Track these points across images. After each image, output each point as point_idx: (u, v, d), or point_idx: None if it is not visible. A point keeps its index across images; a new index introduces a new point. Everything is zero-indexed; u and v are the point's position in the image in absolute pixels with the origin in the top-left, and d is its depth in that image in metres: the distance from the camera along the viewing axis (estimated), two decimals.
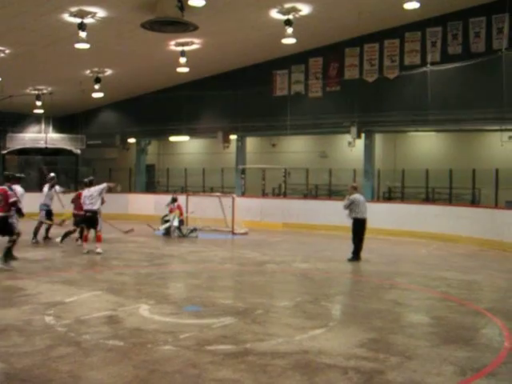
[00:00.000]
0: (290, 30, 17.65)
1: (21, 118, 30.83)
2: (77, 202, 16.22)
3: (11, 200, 12.23)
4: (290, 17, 17.63)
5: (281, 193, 25.65)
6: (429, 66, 20.51)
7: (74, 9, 16.52)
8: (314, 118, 23.62)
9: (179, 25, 17.21)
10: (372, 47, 22.05)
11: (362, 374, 6.03)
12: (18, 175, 14.34)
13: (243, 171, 26.18)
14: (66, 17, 16.98)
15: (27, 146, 29.26)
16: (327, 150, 26.69)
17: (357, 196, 14.41)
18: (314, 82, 23.68)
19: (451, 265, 14.21)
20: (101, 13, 16.98)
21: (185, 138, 29.57)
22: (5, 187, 12.60)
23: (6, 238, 12.27)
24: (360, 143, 23.02)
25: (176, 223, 19.02)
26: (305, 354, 6.63)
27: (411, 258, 15.50)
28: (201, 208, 20.50)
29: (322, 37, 21.74)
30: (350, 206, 14.28)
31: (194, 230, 19.28)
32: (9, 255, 12.45)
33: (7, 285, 10.69)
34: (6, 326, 7.73)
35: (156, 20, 16.80)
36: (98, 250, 14.57)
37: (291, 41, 18.20)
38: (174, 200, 19.63)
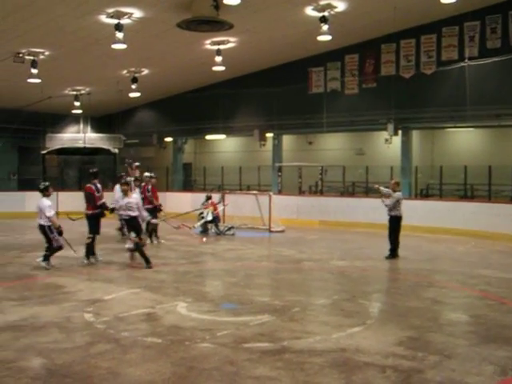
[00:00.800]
0: (325, 27, 17.55)
1: (60, 119, 31.31)
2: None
3: (100, 202, 13.19)
4: (326, 14, 17.52)
5: (317, 190, 25.57)
6: (467, 60, 20.23)
7: (110, 10, 16.70)
8: (350, 115, 23.51)
9: (215, 24, 17.27)
10: (408, 43, 21.83)
11: (400, 372, 5.99)
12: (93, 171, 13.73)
13: (280, 169, 26.18)
14: (103, 18, 17.17)
15: (66, 145, 29.65)
16: (364, 148, 26.55)
17: (400, 194, 14.24)
18: (349, 78, 23.56)
19: (490, 262, 14.01)
20: (137, 13, 17.13)
21: (221, 137, 29.71)
22: (91, 186, 13.20)
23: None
24: (397, 140, 22.83)
25: (210, 217, 19.11)
26: (342, 352, 6.61)
27: (449, 255, 15.32)
28: (237, 206, 20.56)
29: (357, 33, 21.61)
30: (395, 204, 14.04)
31: (231, 227, 19.35)
32: (89, 251, 13.09)
33: (48, 282, 10.89)
34: (47, 322, 7.87)
35: (192, 19, 16.89)
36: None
37: (327, 38, 18.11)
38: (209, 198, 19.72)
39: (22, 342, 6.99)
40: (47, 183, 12.87)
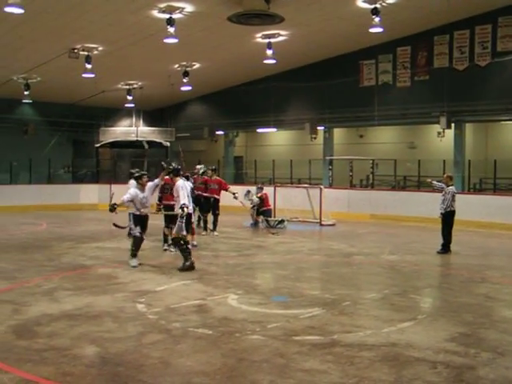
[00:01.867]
0: (377, 19, 17.37)
1: (113, 113, 31.83)
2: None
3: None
4: (377, 5, 17.34)
5: (368, 184, 25.39)
6: None
7: (162, 5, 16.89)
8: (402, 109, 23.28)
9: (266, 17, 17.29)
10: (462, 34, 21.43)
11: (451, 368, 5.92)
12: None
13: (331, 162, 26.08)
14: (155, 13, 17.37)
15: (119, 139, 30.10)
16: (416, 141, 26.24)
17: (453, 188, 14.00)
18: (401, 71, 23.29)
19: None
20: (188, 8, 17.27)
21: (272, 130, 29.72)
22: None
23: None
24: (450, 133, 22.47)
25: (256, 200, 19.23)
26: (393, 347, 6.57)
27: (503, 251, 15.03)
28: (288, 199, 20.57)
29: (409, 25, 21.32)
30: (448, 199, 13.80)
31: (282, 221, 19.36)
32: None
33: (101, 273, 11.10)
34: (100, 312, 8.04)
35: (242, 13, 16.94)
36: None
37: (378, 30, 17.96)
38: (249, 192, 19.73)
39: (77, 331, 7.16)
40: (143, 171, 12.27)
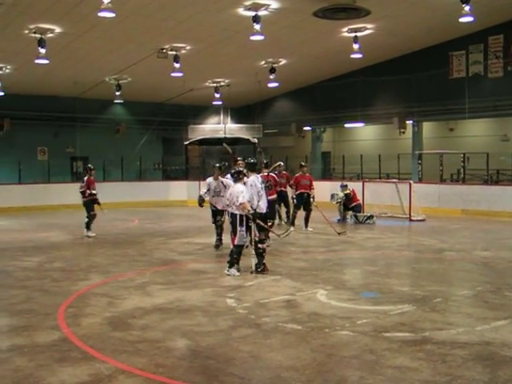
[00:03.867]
0: (467, 8, 16.82)
1: (201, 110, 32.33)
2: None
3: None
4: None
5: (459, 178, 24.75)
6: None
7: (248, 2, 16.98)
8: (494, 100, 22.54)
9: (351, 11, 17.16)
10: None
11: None
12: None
13: (420, 157, 25.59)
14: (241, 11, 17.50)
15: (207, 136, 30.55)
16: (509, 133, 25.40)
17: None
18: (493, 61, 22.53)
19: None
20: (274, 4, 17.30)
21: (359, 125, 29.45)
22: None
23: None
24: None
25: (341, 195, 19.23)
26: (487, 346, 6.37)
27: None
28: (377, 195, 20.35)
29: (502, 12, 20.54)
30: None
31: (371, 216, 19.17)
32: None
33: (191, 268, 11.31)
34: (191, 306, 8.20)
35: (328, 7, 16.85)
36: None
37: (468, 19, 17.41)
38: (345, 186, 19.69)
39: (169, 324, 7.33)
40: (241, 168, 11.27)
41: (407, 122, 26.02)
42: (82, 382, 5.43)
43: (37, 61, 19.18)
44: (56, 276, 10.68)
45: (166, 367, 5.80)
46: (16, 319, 7.73)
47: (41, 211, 23.72)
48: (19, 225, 17.97)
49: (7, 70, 23.17)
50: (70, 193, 23.02)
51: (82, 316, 7.78)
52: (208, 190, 13.27)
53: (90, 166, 16.63)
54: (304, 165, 18.07)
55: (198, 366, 5.91)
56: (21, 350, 6.37)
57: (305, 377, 5.53)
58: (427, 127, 27.24)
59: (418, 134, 26.28)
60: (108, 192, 26.42)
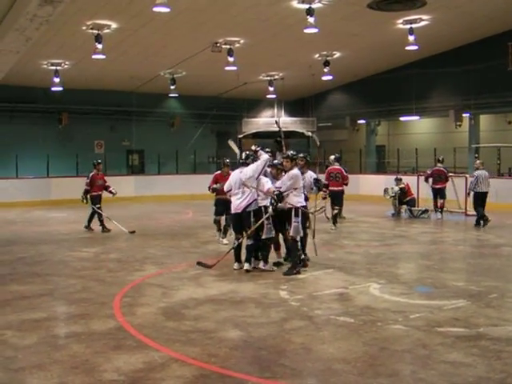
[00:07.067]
0: None
1: (254, 104, 32.35)
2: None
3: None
4: None
5: None
6: None
7: None
8: None
9: (406, 2, 16.95)
10: None
11: None
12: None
13: (476, 150, 25.10)
14: (295, 4, 17.43)
15: (261, 129, 30.56)
16: None
17: None
18: None
19: None
20: None
21: (415, 118, 29.05)
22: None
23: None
24: None
25: (396, 189, 19.01)
26: None
27: None
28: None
29: None
30: None
31: (426, 211, 18.91)
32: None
33: None
34: (244, 298, 8.26)
35: None
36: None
37: None
38: (399, 180, 19.46)
39: (222, 315, 7.40)
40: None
41: (464, 114, 25.54)
42: (136, 370, 5.53)
43: (94, 56, 19.55)
44: (112, 266, 10.90)
45: (218, 357, 5.86)
46: (73, 307, 7.94)
47: None
48: (77, 216, 18.32)
49: (66, 66, 23.64)
50: (126, 185, 23.39)
51: (137, 306, 7.93)
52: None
53: (96, 161, 16.41)
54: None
55: (250, 357, 5.97)
56: (78, 337, 6.54)
57: (356, 370, 5.52)
58: (484, 120, 26.69)
59: (474, 127, 25.79)
60: (163, 185, 26.94)
